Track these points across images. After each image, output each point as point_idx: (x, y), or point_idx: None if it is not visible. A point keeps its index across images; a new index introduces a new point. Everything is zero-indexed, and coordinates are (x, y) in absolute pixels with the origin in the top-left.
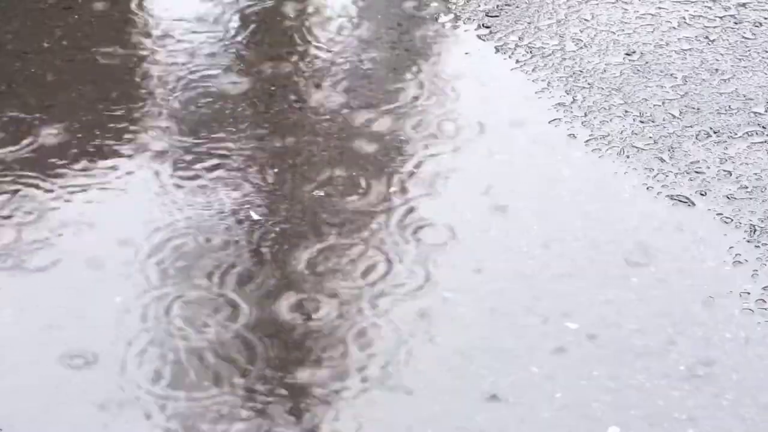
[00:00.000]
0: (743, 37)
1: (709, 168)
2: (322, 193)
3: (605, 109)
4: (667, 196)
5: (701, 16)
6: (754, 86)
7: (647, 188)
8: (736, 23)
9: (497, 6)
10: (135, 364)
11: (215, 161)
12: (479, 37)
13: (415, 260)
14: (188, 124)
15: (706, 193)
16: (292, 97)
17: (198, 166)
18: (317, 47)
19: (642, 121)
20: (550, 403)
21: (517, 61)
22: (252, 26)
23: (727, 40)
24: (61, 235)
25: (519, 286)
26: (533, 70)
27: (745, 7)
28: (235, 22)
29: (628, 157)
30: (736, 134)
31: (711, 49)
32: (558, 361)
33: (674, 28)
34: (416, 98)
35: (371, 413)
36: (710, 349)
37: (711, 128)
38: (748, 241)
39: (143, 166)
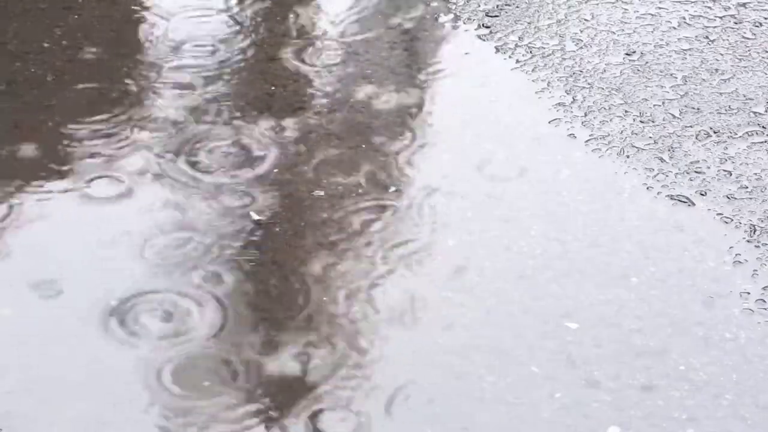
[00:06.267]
0: (743, 37)
1: (709, 168)
2: (321, 193)
3: (605, 109)
4: (667, 195)
5: (701, 16)
6: (754, 86)
7: (647, 188)
8: (736, 23)
9: (497, 6)
10: None
11: (215, 160)
12: (479, 37)
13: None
14: (187, 122)
15: (706, 193)
16: (292, 98)
17: (198, 164)
18: (317, 47)
19: (642, 121)
20: (550, 403)
21: (517, 61)
22: (252, 26)
23: (727, 40)
24: None
25: (519, 286)
26: (533, 70)
27: (745, 7)
28: (235, 22)
29: (628, 157)
30: (736, 134)
31: (711, 49)
32: (558, 361)
33: (674, 28)
34: (416, 98)
35: (372, 409)
36: (710, 349)
37: (711, 128)
38: (748, 241)
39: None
